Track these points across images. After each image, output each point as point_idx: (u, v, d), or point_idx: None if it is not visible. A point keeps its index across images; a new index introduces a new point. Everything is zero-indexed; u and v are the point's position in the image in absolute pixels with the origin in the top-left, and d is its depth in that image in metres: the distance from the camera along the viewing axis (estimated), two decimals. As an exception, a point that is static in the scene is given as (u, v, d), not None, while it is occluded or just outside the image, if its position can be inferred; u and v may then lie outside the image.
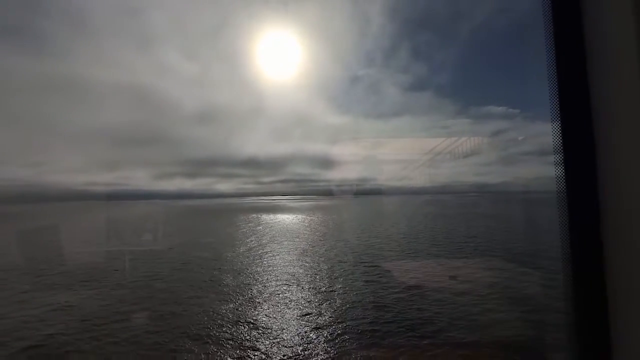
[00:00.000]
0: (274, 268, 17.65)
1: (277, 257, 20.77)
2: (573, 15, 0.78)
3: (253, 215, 57.76)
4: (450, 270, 15.86)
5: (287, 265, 18.12)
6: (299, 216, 54.85)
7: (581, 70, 0.78)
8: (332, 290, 13.14)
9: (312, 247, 24.04)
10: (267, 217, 53.53)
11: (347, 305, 11.32)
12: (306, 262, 18.86)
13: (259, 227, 39.60)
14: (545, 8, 0.84)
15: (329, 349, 8.44)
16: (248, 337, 9.11)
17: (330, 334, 9.18)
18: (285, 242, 26.36)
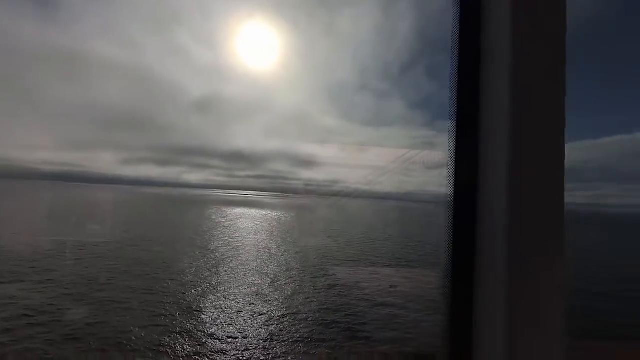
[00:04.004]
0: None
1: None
2: (473, 28, 0.84)
3: (217, 209, 56.12)
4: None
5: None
6: (266, 213, 54.20)
7: (474, 77, 0.83)
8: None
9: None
10: (232, 212, 52.31)
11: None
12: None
13: (221, 222, 38.13)
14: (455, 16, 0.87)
15: None
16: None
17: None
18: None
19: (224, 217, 43.77)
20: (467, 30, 0.84)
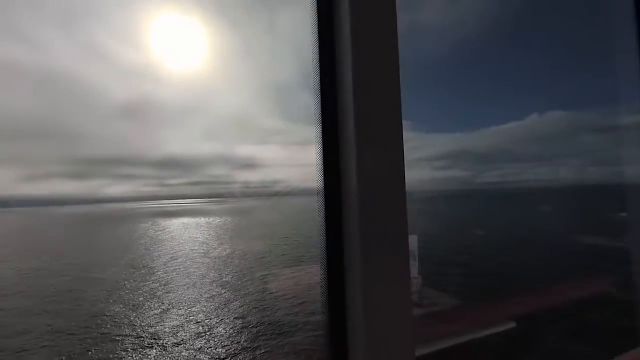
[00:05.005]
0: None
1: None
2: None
3: (153, 223, 51.50)
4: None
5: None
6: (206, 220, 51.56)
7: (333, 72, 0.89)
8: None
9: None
10: (172, 223, 48.50)
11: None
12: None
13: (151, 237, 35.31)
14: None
15: None
16: None
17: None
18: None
19: (162, 230, 40.37)
20: (324, 48, 0.89)
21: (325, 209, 0.87)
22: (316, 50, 0.90)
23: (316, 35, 0.90)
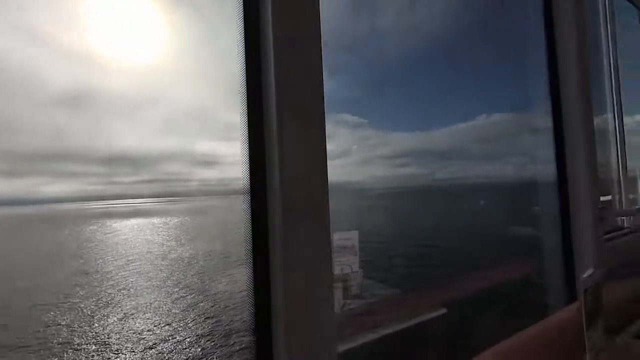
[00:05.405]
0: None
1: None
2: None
3: (101, 225, 47.74)
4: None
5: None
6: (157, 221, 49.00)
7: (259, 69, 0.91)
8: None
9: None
10: (124, 224, 45.35)
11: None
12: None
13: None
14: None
15: None
16: None
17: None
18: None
19: (112, 232, 37.44)
20: (249, 46, 0.88)
21: (251, 207, 0.87)
22: (241, 35, 0.89)
23: (241, 22, 0.89)
